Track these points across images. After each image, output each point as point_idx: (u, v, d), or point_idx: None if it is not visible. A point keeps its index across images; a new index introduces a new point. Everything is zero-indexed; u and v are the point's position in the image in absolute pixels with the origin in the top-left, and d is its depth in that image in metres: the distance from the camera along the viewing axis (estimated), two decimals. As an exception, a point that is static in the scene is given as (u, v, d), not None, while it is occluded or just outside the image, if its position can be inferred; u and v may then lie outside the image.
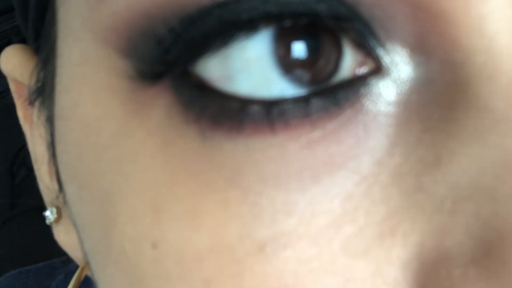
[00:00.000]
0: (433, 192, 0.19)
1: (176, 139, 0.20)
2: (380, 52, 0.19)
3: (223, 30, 0.19)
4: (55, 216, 0.32)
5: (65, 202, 0.28)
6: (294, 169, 0.19)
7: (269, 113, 0.19)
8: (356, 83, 0.20)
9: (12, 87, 0.31)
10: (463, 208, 0.18)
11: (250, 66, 0.20)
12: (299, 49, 0.20)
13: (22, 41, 0.30)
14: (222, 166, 0.20)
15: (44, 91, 0.27)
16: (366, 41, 0.19)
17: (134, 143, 0.21)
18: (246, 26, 0.19)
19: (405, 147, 0.19)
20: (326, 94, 0.19)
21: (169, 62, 0.20)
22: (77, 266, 0.33)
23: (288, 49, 0.19)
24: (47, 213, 0.32)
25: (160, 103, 0.20)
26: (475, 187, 0.18)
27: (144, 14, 0.20)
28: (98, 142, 0.22)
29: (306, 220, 0.19)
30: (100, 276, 0.23)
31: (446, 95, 0.19)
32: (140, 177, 0.21)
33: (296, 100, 0.19)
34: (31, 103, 0.29)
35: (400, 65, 0.19)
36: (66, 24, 0.23)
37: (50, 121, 0.27)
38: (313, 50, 0.20)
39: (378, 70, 0.20)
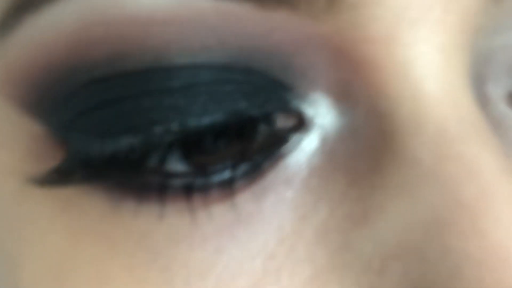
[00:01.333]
0: (361, 250, 0.18)
1: (77, 200, 0.19)
2: (302, 105, 0.18)
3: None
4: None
5: None
6: (210, 229, 0.18)
7: (189, 192, 0.18)
8: (277, 141, 0.18)
9: None
10: (391, 268, 0.17)
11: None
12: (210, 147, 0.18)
13: None
14: (129, 229, 0.18)
15: None
16: (287, 104, 0.18)
17: (33, 204, 0.19)
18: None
19: (330, 202, 0.18)
20: (246, 161, 0.18)
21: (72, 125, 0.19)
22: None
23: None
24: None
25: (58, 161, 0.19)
26: (404, 246, 0.17)
27: (42, 68, 0.18)
28: (0, 199, 0.20)
29: (224, 283, 0.18)
30: None
31: (372, 145, 0.18)
32: (41, 241, 0.19)
33: (219, 184, 0.18)
34: None
35: (323, 115, 0.19)
36: None
37: None
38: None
39: (300, 123, 0.19)
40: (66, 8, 0.17)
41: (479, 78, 0.20)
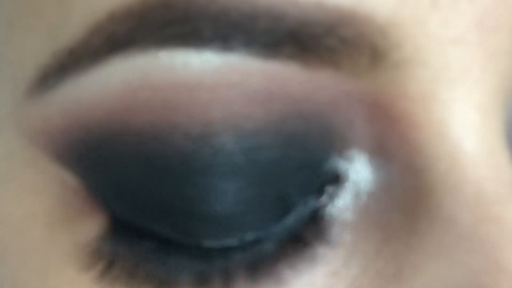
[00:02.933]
0: None
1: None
2: (337, 161, 0.18)
3: None
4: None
5: None
6: None
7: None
8: (311, 196, 0.18)
9: None
10: None
11: None
12: None
13: None
14: None
15: None
16: (322, 164, 0.18)
17: (60, 253, 0.19)
18: None
19: (363, 258, 0.18)
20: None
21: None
22: None
23: None
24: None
25: (92, 221, 0.19)
26: None
27: (83, 128, 0.18)
28: (23, 247, 0.20)
29: None
30: None
31: (407, 202, 0.18)
32: None
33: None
34: None
35: (358, 171, 0.18)
36: None
37: None
38: None
39: (335, 179, 0.18)
40: (113, 70, 0.17)
41: None
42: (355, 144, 0.18)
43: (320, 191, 0.18)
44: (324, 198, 0.18)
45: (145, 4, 0.16)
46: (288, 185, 0.18)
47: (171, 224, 0.18)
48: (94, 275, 0.18)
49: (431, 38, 0.17)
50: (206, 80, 0.17)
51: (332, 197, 0.18)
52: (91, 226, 0.19)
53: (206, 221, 0.18)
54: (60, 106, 0.18)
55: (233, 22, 0.16)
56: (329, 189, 0.18)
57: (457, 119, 0.17)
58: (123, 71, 0.17)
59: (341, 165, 0.18)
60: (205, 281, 0.18)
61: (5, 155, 0.20)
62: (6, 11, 0.19)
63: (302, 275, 0.18)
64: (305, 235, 0.18)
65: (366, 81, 0.17)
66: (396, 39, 0.17)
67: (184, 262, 0.18)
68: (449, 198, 0.17)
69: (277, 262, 0.18)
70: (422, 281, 0.17)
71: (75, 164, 0.19)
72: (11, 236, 0.20)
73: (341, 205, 0.18)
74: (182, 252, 0.18)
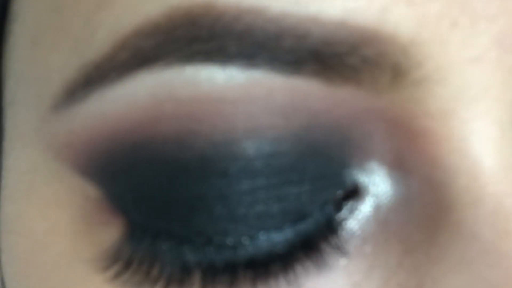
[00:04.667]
0: None
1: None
2: (356, 175, 0.18)
3: None
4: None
5: None
6: None
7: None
8: (328, 206, 0.18)
9: None
10: None
11: None
12: None
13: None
14: None
15: None
16: (341, 177, 0.18)
17: (83, 263, 0.19)
18: None
19: (384, 270, 0.18)
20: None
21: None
22: None
23: None
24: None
25: (110, 227, 0.19)
26: None
27: (107, 139, 0.18)
28: (46, 260, 0.20)
29: None
30: None
31: (427, 215, 0.18)
32: None
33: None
34: None
35: (377, 184, 0.18)
36: (14, 125, 0.21)
37: None
38: None
39: (353, 192, 0.19)
40: (139, 84, 0.18)
41: None
42: (374, 157, 0.18)
43: (339, 203, 0.18)
44: (343, 210, 0.18)
45: (172, 21, 0.17)
46: (304, 192, 0.18)
47: (184, 223, 0.18)
48: (109, 276, 0.19)
49: (451, 57, 0.17)
50: (230, 94, 0.17)
51: (351, 209, 0.18)
52: (109, 233, 0.19)
53: (219, 219, 0.18)
54: (85, 119, 0.18)
55: (258, 40, 0.17)
56: (349, 201, 0.18)
57: (476, 136, 0.17)
58: (149, 85, 0.17)
59: (361, 177, 0.18)
60: (212, 277, 0.18)
61: (28, 169, 0.21)
62: (30, 29, 0.19)
63: (319, 282, 0.18)
64: (319, 243, 0.18)
65: (386, 98, 0.17)
66: (417, 58, 0.17)
67: (195, 259, 0.18)
68: (469, 212, 0.17)
69: (288, 266, 0.18)
70: None
71: (96, 174, 0.19)
72: (34, 250, 0.20)
73: (361, 217, 0.18)
74: (194, 249, 0.18)
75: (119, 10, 0.17)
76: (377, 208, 0.18)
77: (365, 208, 0.18)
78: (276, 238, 0.18)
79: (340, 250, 0.18)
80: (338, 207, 0.18)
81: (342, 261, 0.18)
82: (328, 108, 0.18)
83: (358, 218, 0.18)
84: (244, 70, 0.17)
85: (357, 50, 0.17)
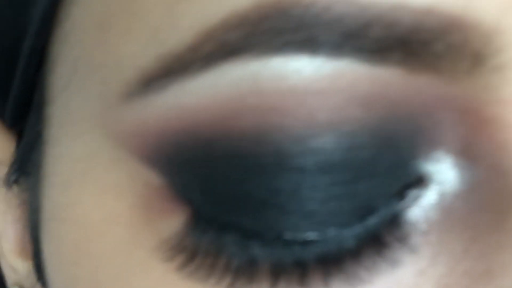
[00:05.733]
0: None
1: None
2: (422, 163, 0.18)
3: None
4: (20, 297, 0.29)
5: None
6: None
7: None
8: (394, 198, 0.18)
9: None
10: None
11: None
12: None
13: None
14: None
15: (23, 175, 0.25)
16: (408, 166, 0.18)
17: (143, 253, 0.19)
18: None
19: (450, 257, 0.18)
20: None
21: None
22: None
23: None
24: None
25: (173, 217, 0.19)
26: None
27: (181, 131, 0.18)
28: (101, 249, 0.20)
29: None
30: None
31: (494, 202, 0.18)
32: None
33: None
34: (8, 184, 0.26)
35: (442, 171, 0.18)
36: (67, 112, 0.21)
37: (32, 210, 0.24)
38: None
39: (418, 181, 0.19)
40: (223, 76, 0.17)
41: None
42: (442, 146, 0.18)
43: (402, 194, 0.18)
44: (407, 199, 0.18)
45: (261, 12, 0.17)
46: (374, 186, 0.18)
47: (254, 217, 0.18)
48: (174, 266, 0.19)
49: None
50: (316, 86, 0.17)
51: (415, 197, 0.18)
52: (172, 222, 0.19)
53: (291, 215, 0.18)
54: (160, 110, 0.18)
55: (347, 30, 0.16)
56: (413, 190, 0.18)
57: None
58: (233, 77, 0.17)
59: (426, 166, 0.18)
60: (281, 272, 0.18)
61: (84, 156, 0.20)
62: (96, 14, 0.19)
63: (383, 275, 0.18)
64: (385, 237, 0.18)
65: (462, 86, 0.17)
66: (497, 45, 0.17)
67: (263, 254, 0.18)
68: None
69: (356, 261, 0.18)
70: None
71: (162, 163, 0.19)
72: (89, 238, 0.20)
73: (426, 205, 0.18)
74: (262, 244, 0.18)
75: (204, 1, 0.17)
76: (442, 196, 0.18)
77: (429, 196, 0.18)
78: (345, 234, 0.18)
79: (406, 240, 0.18)
80: (402, 196, 0.18)
81: (408, 251, 0.18)
82: (406, 98, 0.18)
83: (422, 206, 0.18)
84: (331, 60, 0.17)
85: (443, 37, 0.17)
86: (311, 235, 0.18)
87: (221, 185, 0.18)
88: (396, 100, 0.18)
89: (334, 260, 0.18)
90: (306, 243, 0.18)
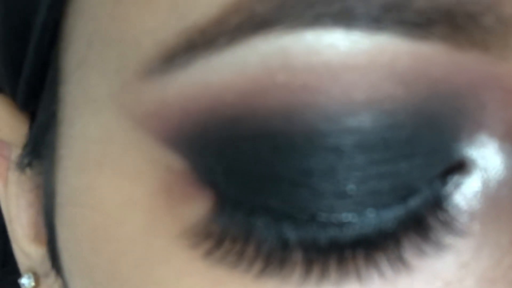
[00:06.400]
0: None
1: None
2: (465, 147, 0.17)
3: None
4: (33, 284, 0.28)
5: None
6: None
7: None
8: (436, 181, 0.17)
9: None
10: None
11: None
12: None
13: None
14: None
15: (36, 158, 0.24)
16: (450, 150, 0.17)
17: (165, 240, 0.18)
18: None
19: (495, 249, 0.17)
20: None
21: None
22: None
23: None
24: (23, 281, 0.28)
25: (197, 202, 0.18)
26: None
27: (206, 110, 0.17)
28: (120, 235, 0.19)
29: None
30: None
31: None
32: (176, 283, 0.18)
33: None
34: (21, 168, 0.25)
35: (486, 157, 0.17)
36: (83, 91, 0.20)
37: (47, 194, 0.23)
38: None
39: (460, 165, 0.17)
40: (251, 51, 0.16)
41: None
42: (485, 129, 0.17)
43: (445, 178, 0.17)
44: (449, 185, 0.17)
45: None
46: (416, 166, 0.17)
47: (285, 198, 0.17)
48: (199, 253, 0.18)
49: None
50: (352, 62, 0.16)
51: (458, 184, 0.17)
52: (195, 208, 0.18)
53: (324, 195, 0.17)
54: (183, 87, 0.17)
55: (387, 0, 0.15)
56: (455, 176, 0.17)
57: None
58: (262, 52, 0.16)
59: (469, 150, 0.17)
60: (316, 255, 0.17)
61: (101, 138, 0.19)
62: None
63: (427, 261, 0.17)
64: (428, 220, 0.17)
65: (506, 66, 0.16)
66: None
67: (296, 236, 0.17)
68: None
69: (399, 243, 0.17)
70: None
71: (184, 145, 0.18)
72: (107, 224, 0.19)
73: (468, 192, 0.17)
74: (295, 226, 0.17)
75: None
76: (486, 183, 0.17)
77: (473, 183, 0.17)
78: (385, 215, 0.17)
79: (449, 226, 0.17)
80: (444, 181, 0.17)
81: (450, 239, 0.17)
82: (449, 76, 0.16)
83: (465, 193, 0.17)
84: (369, 34, 0.16)
85: (492, 9, 0.15)
86: (347, 216, 0.17)
87: (248, 167, 0.17)
88: (439, 78, 0.16)
89: (374, 243, 0.17)
90: (342, 224, 0.17)
